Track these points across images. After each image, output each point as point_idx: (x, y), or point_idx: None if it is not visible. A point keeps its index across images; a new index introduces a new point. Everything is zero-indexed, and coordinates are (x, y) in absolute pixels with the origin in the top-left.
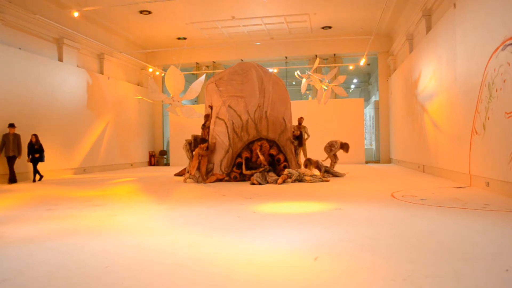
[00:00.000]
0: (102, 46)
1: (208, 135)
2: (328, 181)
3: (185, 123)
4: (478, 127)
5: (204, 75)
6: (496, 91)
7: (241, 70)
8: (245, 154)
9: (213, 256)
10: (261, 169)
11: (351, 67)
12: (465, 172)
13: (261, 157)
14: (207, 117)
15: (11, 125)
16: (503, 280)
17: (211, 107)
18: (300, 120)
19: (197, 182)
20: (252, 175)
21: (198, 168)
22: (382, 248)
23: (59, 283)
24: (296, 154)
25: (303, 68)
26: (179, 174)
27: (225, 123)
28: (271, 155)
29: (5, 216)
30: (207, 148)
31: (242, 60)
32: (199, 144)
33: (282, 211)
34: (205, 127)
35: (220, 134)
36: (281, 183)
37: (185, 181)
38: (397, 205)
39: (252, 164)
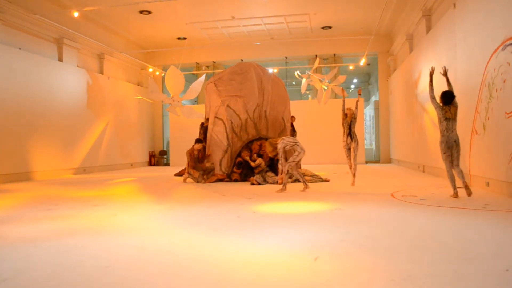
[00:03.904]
0: (102, 46)
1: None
2: (328, 181)
3: (185, 123)
4: (478, 127)
5: (204, 75)
6: (496, 91)
7: (240, 70)
8: (245, 154)
9: (213, 256)
10: (260, 169)
11: (351, 67)
12: (465, 172)
13: (244, 154)
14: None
15: None
16: (503, 280)
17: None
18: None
19: (197, 182)
20: (258, 166)
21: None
22: (382, 248)
23: (59, 283)
24: None
25: (303, 68)
26: (179, 174)
27: (224, 123)
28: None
29: (5, 216)
30: (200, 156)
31: (242, 60)
32: (195, 144)
33: (282, 211)
34: (203, 127)
35: (218, 134)
36: (281, 183)
37: (185, 181)
38: (397, 205)
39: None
